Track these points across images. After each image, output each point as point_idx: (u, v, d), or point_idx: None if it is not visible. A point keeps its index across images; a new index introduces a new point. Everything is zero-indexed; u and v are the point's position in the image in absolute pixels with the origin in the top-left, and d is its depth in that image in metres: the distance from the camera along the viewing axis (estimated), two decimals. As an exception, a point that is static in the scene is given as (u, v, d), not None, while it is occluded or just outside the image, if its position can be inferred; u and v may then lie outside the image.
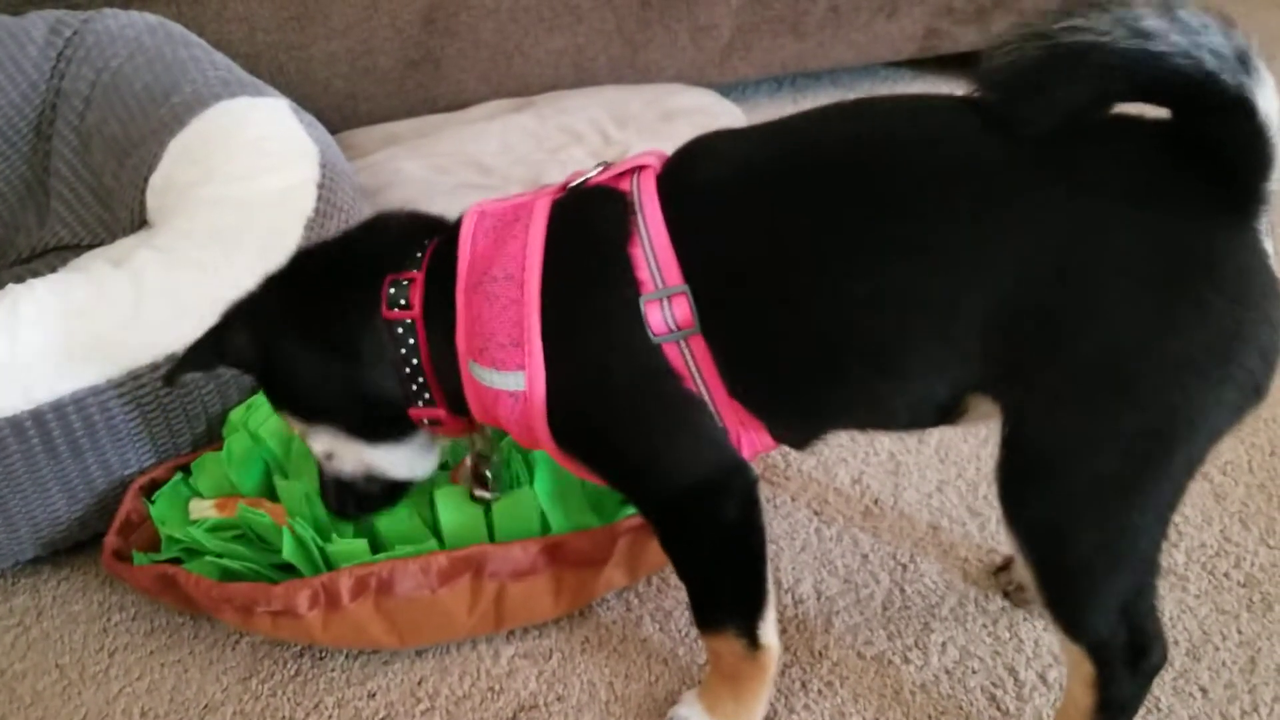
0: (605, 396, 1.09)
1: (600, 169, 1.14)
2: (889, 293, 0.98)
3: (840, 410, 1.11)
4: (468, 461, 1.37)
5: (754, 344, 1.05)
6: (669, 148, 2.31)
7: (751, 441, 1.13)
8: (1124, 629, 1.00)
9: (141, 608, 1.44)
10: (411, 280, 1.16)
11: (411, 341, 1.15)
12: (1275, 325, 0.91)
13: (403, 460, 1.27)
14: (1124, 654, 1.01)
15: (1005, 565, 1.38)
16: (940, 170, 0.96)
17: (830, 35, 2.62)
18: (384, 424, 1.22)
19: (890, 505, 1.51)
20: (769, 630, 1.14)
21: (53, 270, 1.78)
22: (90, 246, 1.97)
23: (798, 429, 1.15)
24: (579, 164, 2.23)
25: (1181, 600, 1.33)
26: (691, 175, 1.09)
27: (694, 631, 1.33)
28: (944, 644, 1.30)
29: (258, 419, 1.49)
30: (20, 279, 1.55)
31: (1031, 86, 0.91)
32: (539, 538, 1.29)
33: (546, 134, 2.37)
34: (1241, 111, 0.85)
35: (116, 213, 1.96)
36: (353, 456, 1.25)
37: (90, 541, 1.51)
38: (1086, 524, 0.97)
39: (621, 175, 1.11)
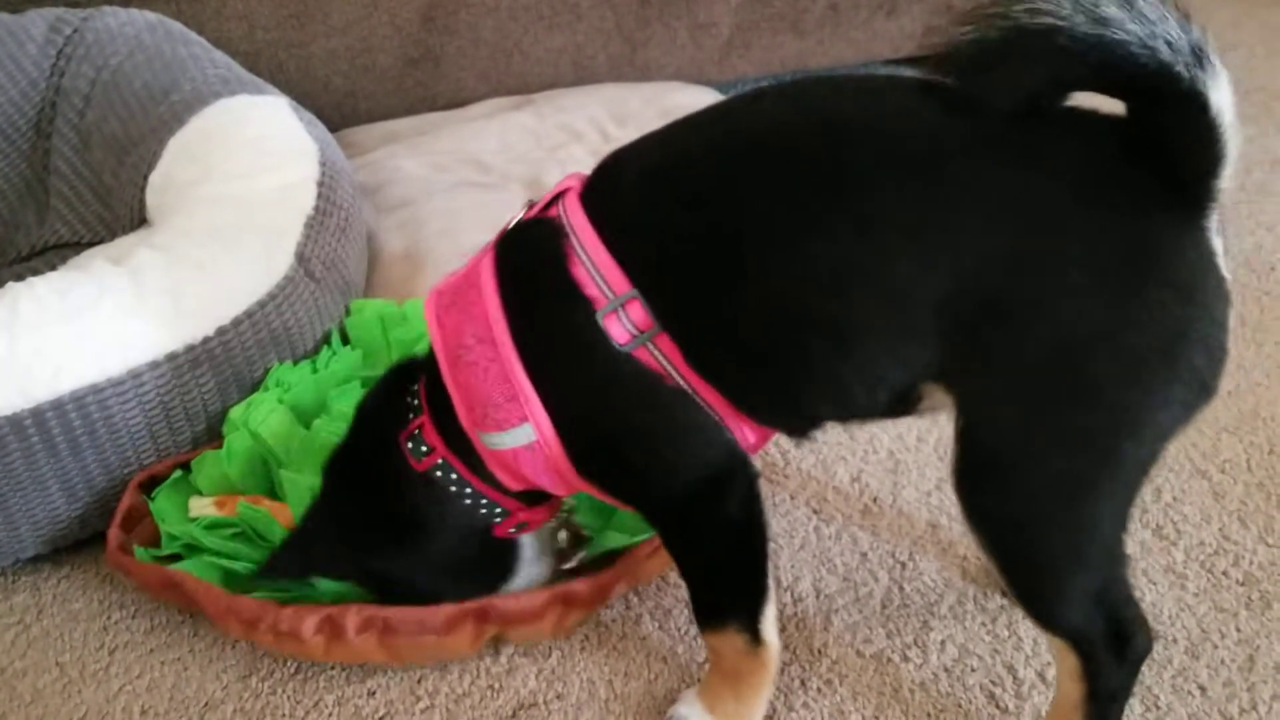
0: (602, 417, 1.10)
1: (526, 208, 1.15)
2: (838, 272, 0.97)
3: (800, 391, 1.09)
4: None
5: (712, 332, 1.05)
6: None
7: (744, 435, 1.13)
8: (1101, 618, 1.00)
9: (142, 606, 1.45)
10: (420, 425, 1.19)
11: (455, 475, 1.18)
12: (1221, 324, 0.92)
13: (525, 583, 1.31)
14: (1107, 643, 1.01)
15: None
16: (892, 149, 0.96)
17: (830, 33, 2.62)
18: (492, 564, 1.27)
19: (889, 503, 1.52)
20: (770, 627, 1.15)
21: (52, 268, 1.78)
22: (90, 244, 1.98)
23: (775, 415, 1.14)
24: (579, 162, 2.23)
25: (1180, 598, 1.33)
26: (613, 183, 1.09)
27: (693, 630, 1.33)
28: (943, 642, 1.30)
29: (258, 417, 1.49)
30: (20, 277, 1.55)
31: (990, 65, 0.91)
32: (548, 587, 1.28)
33: (546, 132, 2.37)
34: (1194, 105, 0.85)
35: (116, 211, 1.96)
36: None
37: (90, 540, 1.51)
38: (1042, 519, 0.98)
39: (549, 205, 1.11)
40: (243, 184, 1.73)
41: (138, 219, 1.92)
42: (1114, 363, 0.91)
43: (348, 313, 1.74)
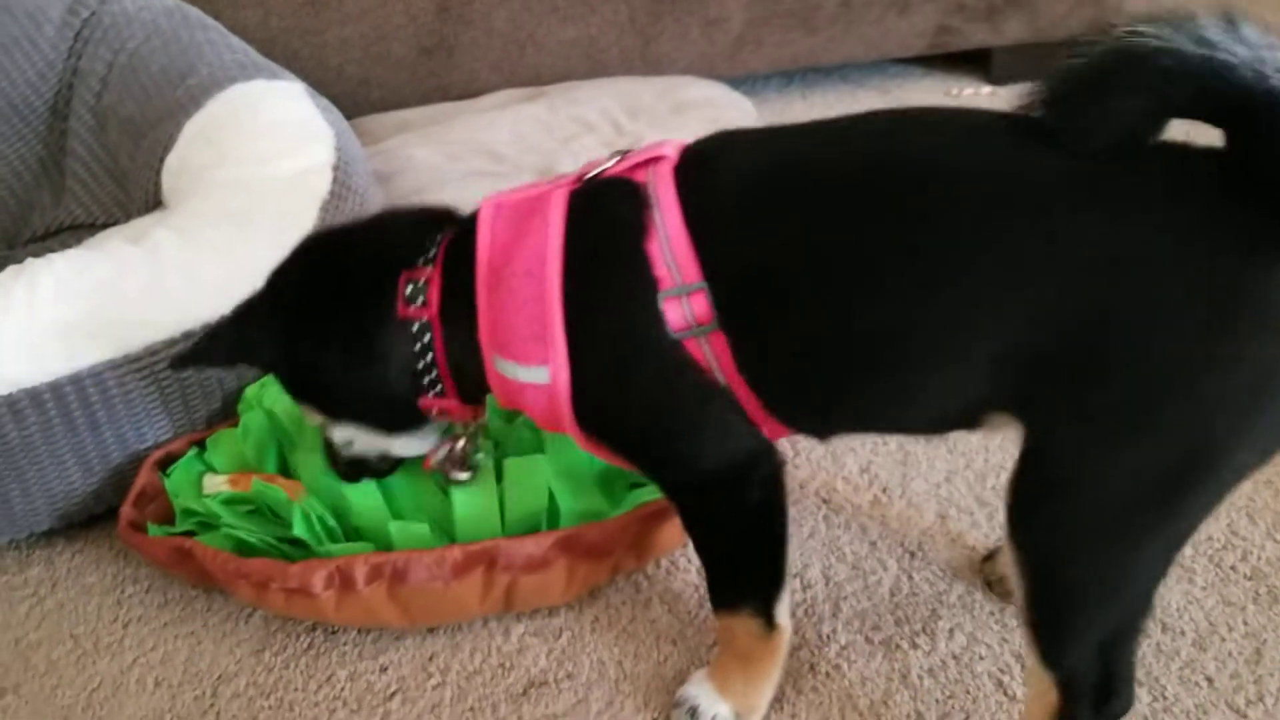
0: (628, 389, 1.10)
1: (616, 159, 1.13)
2: (915, 311, 0.96)
3: (855, 417, 1.11)
4: (443, 449, 1.36)
5: (772, 345, 1.05)
6: (680, 139, 2.32)
7: (771, 431, 1.13)
8: (1098, 667, 0.99)
9: (155, 580, 1.46)
10: (428, 278, 1.16)
11: (427, 338, 1.16)
12: None
13: (414, 443, 1.32)
14: (1092, 693, 1.00)
15: (990, 556, 1.39)
16: (982, 188, 0.94)
17: (841, 30, 2.63)
18: (399, 416, 1.25)
19: (898, 494, 1.53)
20: (784, 612, 1.16)
21: (67, 248, 1.79)
22: (105, 226, 1.99)
23: (813, 429, 1.16)
24: (591, 153, 2.24)
25: (1188, 592, 1.34)
26: (714, 172, 1.08)
27: (702, 613, 1.34)
28: (951, 630, 1.31)
29: (273, 396, 1.50)
30: (37, 256, 1.56)
31: (1093, 91, 0.89)
32: (552, 531, 1.30)
33: (558, 123, 2.38)
34: None
35: (131, 193, 1.97)
36: (370, 444, 1.30)
37: (105, 515, 1.52)
38: (1089, 551, 0.95)
39: (637, 166, 1.10)
40: (258, 168, 1.74)
41: (153, 201, 1.92)
42: (1199, 406, 0.88)
43: (362, 296, 1.74)
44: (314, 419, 1.31)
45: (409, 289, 1.16)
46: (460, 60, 2.57)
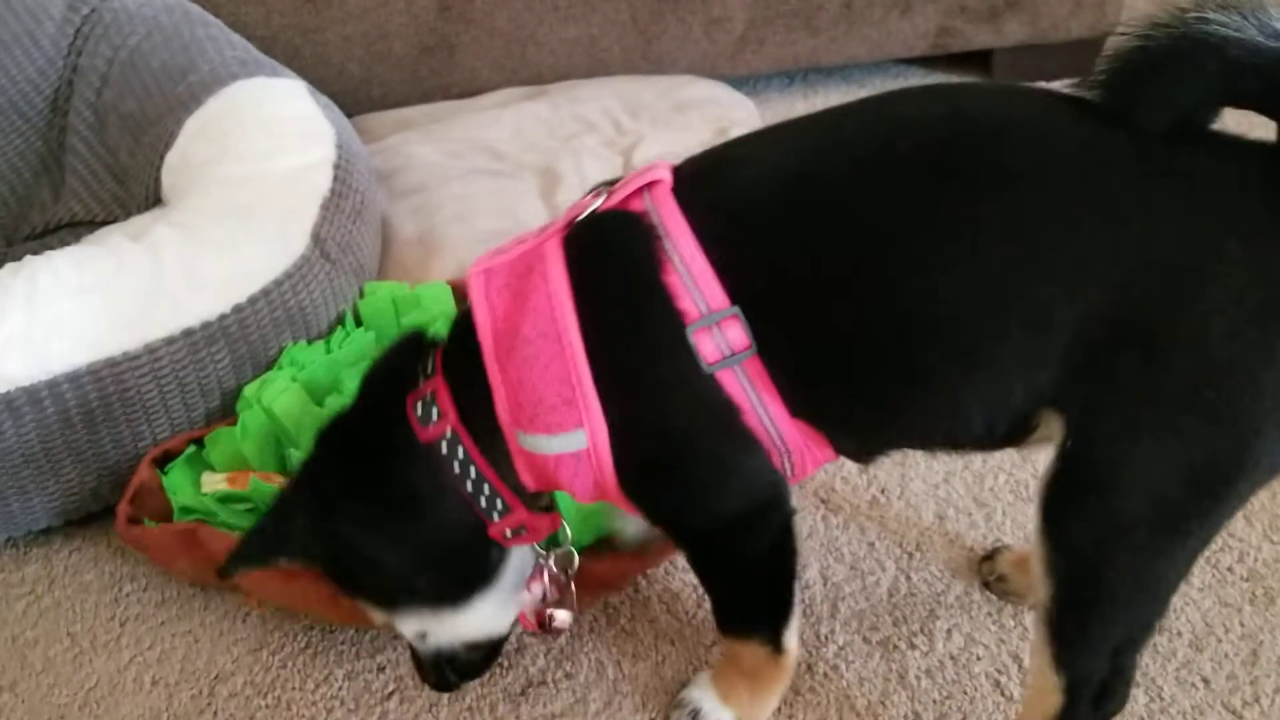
0: (665, 438, 1.04)
1: (603, 193, 1.05)
2: (980, 287, 0.93)
3: (915, 417, 1.04)
4: (534, 588, 1.23)
5: (823, 354, 0.99)
6: (682, 138, 2.31)
7: (815, 458, 1.07)
8: (1107, 671, 0.99)
9: (153, 579, 1.46)
10: (434, 389, 1.08)
11: (461, 451, 1.07)
12: None
13: (498, 609, 1.18)
14: (1094, 693, 1.00)
15: (989, 556, 1.38)
16: (1046, 159, 0.92)
17: (843, 31, 2.63)
18: (469, 568, 1.14)
19: (897, 495, 1.52)
20: (792, 636, 1.14)
21: (67, 245, 1.79)
22: (105, 223, 1.98)
23: (867, 440, 1.09)
24: (592, 152, 2.25)
25: (1185, 593, 1.34)
26: (719, 187, 1.03)
27: (701, 613, 1.34)
28: (949, 631, 1.31)
29: (271, 394, 1.50)
30: (36, 253, 1.56)
31: (1156, 75, 0.88)
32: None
33: (560, 122, 2.38)
34: None
35: (131, 190, 1.97)
36: (448, 628, 1.16)
37: (103, 513, 1.52)
38: (1126, 552, 0.94)
39: (631, 196, 1.02)
40: (259, 165, 1.74)
41: (153, 198, 1.92)
42: (1256, 398, 0.87)
43: (361, 295, 1.74)
44: (375, 617, 1.19)
45: (420, 410, 1.08)
46: (461, 59, 2.57)
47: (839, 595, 1.37)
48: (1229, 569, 1.37)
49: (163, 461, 1.47)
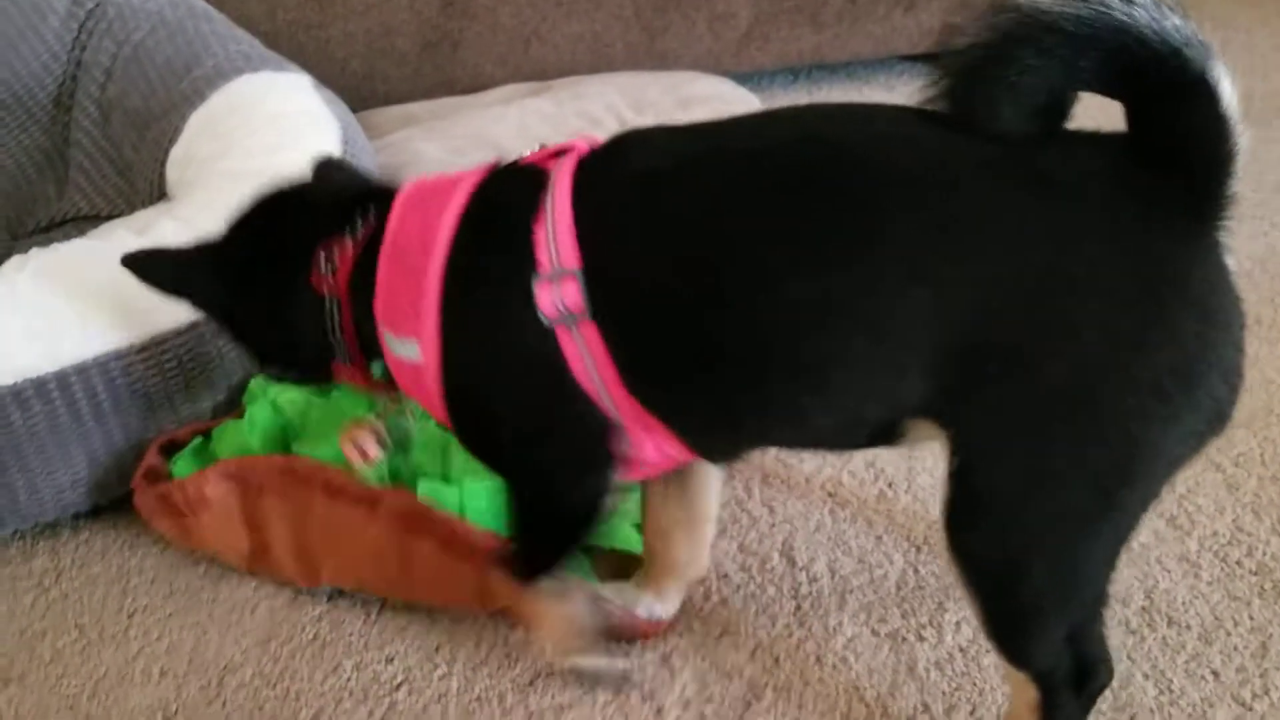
0: (492, 375, 1.07)
1: (537, 149, 1.10)
2: (825, 303, 0.92)
3: (756, 423, 1.04)
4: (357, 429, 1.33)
5: (660, 340, 1.00)
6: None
7: (660, 449, 1.07)
8: (1069, 657, 0.99)
9: (160, 571, 1.45)
10: (342, 251, 1.13)
11: (336, 313, 1.13)
12: (1239, 347, 0.87)
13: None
14: (1069, 679, 1.00)
15: None
16: (894, 177, 0.90)
17: (847, 27, 2.63)
18: (318, 376, 1.24)
19: (904, 488, 1.52)
20: (551, 584, 1.19)
21: (71, 240, 1.79)
22: (109, 218, 1.98)
23: (706, 438, 1.08)
24: (596, 148, 2.24)
25: (1194, 586, 1.34)
26: (614, 162, 1.03)
27: (708, 605, 1.34)
28: (958, 623, 1.31)
29: (277, 388, 1.50)
30: (41, 247, 1.56)
31: (999, 62, 0.85)
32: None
33: (564, 118, 2.38)
34: (1206, 96, 0.81)
35: (136, 185, 1.97)
36: None
37: (109, 506, 1.52)
38: (1039, 562, 0.93)
39: (551, 156, 1.06)
40: (264, 159, 1.73)
41: (157, 193, 1.92)
42: (1132, 395, 0.85)
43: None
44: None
45: (324, 258, 1.13)
46: (465, 55, 2.57)
47: (847, 588, 1.37)
48: (1238, 563, 1.37)
49: (170, 451, 1.47)
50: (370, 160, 1.88)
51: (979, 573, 0.96)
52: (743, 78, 2.63)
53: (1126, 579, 1.35)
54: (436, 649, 1.31)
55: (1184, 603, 1.32)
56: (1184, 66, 0.81)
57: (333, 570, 1.34)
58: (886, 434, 0.99)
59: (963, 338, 0.88)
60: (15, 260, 1.47)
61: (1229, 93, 0.81)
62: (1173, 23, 0.80)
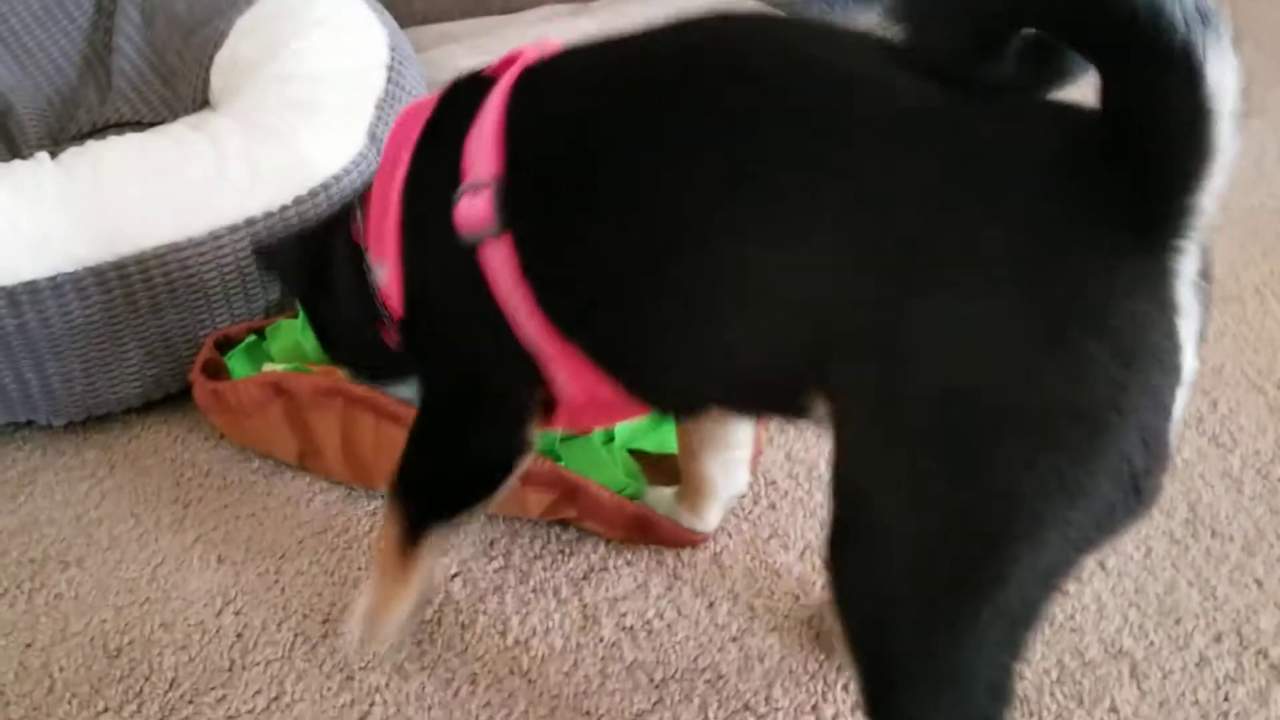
0: (428, 298, 1.02)
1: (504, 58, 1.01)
2: (692, 234, 0.81)
3: (655, 360, 0.92)
4: None
5: (564, 259, 0.91)
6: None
7: (584, 385, 0.98)
8: None
9: (214, 465, 1.47)
10: (365, 196, 1.08)
11: (366, 258, 1.08)
12: (1165, 410, 0.68)
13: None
14: None
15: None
16: (795, 111, 0.77)
17: (888, -46, 2.60)
18: (378, 360, 1.18)
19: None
20: (427, 550, 1.10)
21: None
22: (152, 124, 1.97)
23: (625, 375, 0.96)
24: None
25: (1237, 501, 1.36)
26: (551, 71, 0.95)
27: (757, 510, 1.36)
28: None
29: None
30: (87, 148, 1.56)
31: None
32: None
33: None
34: (1185, 74, 0.61)
35: (179, 91, 1.96)
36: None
37: (162, 401, 1.54)
38: (910, 613, 0.75)
39: (508, 64, 0.98)
40: (313, 63, 1.73)
41: (201, 100, 1.92)
42: (1015, 431, 0.67)
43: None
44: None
45: (358, 212, 1.10)
46: (502, -28, 2.55)
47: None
48: (1279, 479, 1.38)
49: (224, 348, 1.48)
50: (416, 71, 1.88)
51: (847, 608, 0.80)
52: (781, 4, 2.61)
53: (1170, 493, 1.36)
54: (491, 544, 1.33)
55: (1227, 516, 1.33)
56: (1166, 31, 0.60)
57: (385, 477, 1.35)
58: (793, 403, 0.83)
59: (837, 310, 0.74)
60: (72, 150, 1.47)
61: (1221, 80, 0.61)
62: None
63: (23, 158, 1.52)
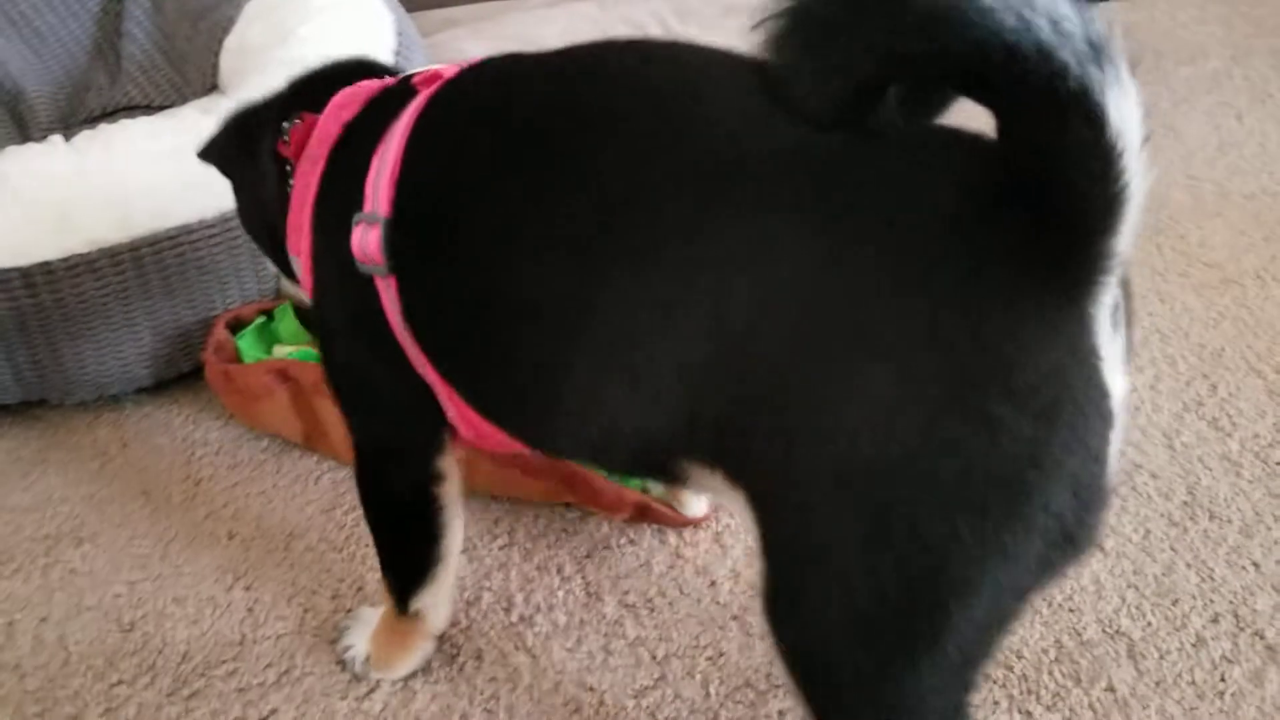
0: (333, 314, 0.99)
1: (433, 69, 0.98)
2: (548, 286, 0.77)
3: (515, 408, 0.89)
4: None
5: (435, 309, 0.88)
6: (726, 42, 2.29)
7: (469, 421, 0.96)
8: None
9: (224, 445, 1.49)
10: (304, 123, 1.02)
11: (286, 184, 1.04)
12: (1097, 456, 0.64)
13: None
14: None
15: None
16: (671, 167, 0.71)
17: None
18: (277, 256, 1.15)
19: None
20: (425, 604, 1.11)
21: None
22: (161, 108, 2.00)
23: (494, 416, 0.93)
24: (641, 55, 2.25)
25: (1235, 484, 1.37)
26: (450, 101, 0.89)
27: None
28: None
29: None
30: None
31: (821, 29, 0.64)
32: None
33: (609, 23, 2.38)
34: (1084, 117, 0.56)
35: (187, 75, 1.98)
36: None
37: (172, 381, 1.56)
38: (852, 665, 0.72)
39: (431, 79, 0.93)
40: (321, 48, 1.73)
41: (209, 84, 1.94)
42: (930, 499, 0.63)
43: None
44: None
45: (284, 125, 1.04)
46: (509, -42, 2.56)
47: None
48: (1278, 464, 1.40)
49: (235, 328, 1.50)
50: (421, 56, 1.89)
51: (793, 663, 0.76)
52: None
53: (1169, 475, 1.38)
54: (496, 522, 1.35)
55: (1225, 499, 1.35)
56: (1059, 74, 0.55)
57: None
58: (665, 468, 0.81)
59: (719, 379, 0.69)
60: (85, 133, 1.49)
61: (1124, 120, 0.57)
62: (1052, 14, 0.55)
63: (35, 141, 1.54)
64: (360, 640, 1.16)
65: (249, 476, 1.44)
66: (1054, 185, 0.59)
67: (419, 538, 1.07)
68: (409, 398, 0.96)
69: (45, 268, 1.38)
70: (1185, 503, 1.34)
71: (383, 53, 1.77)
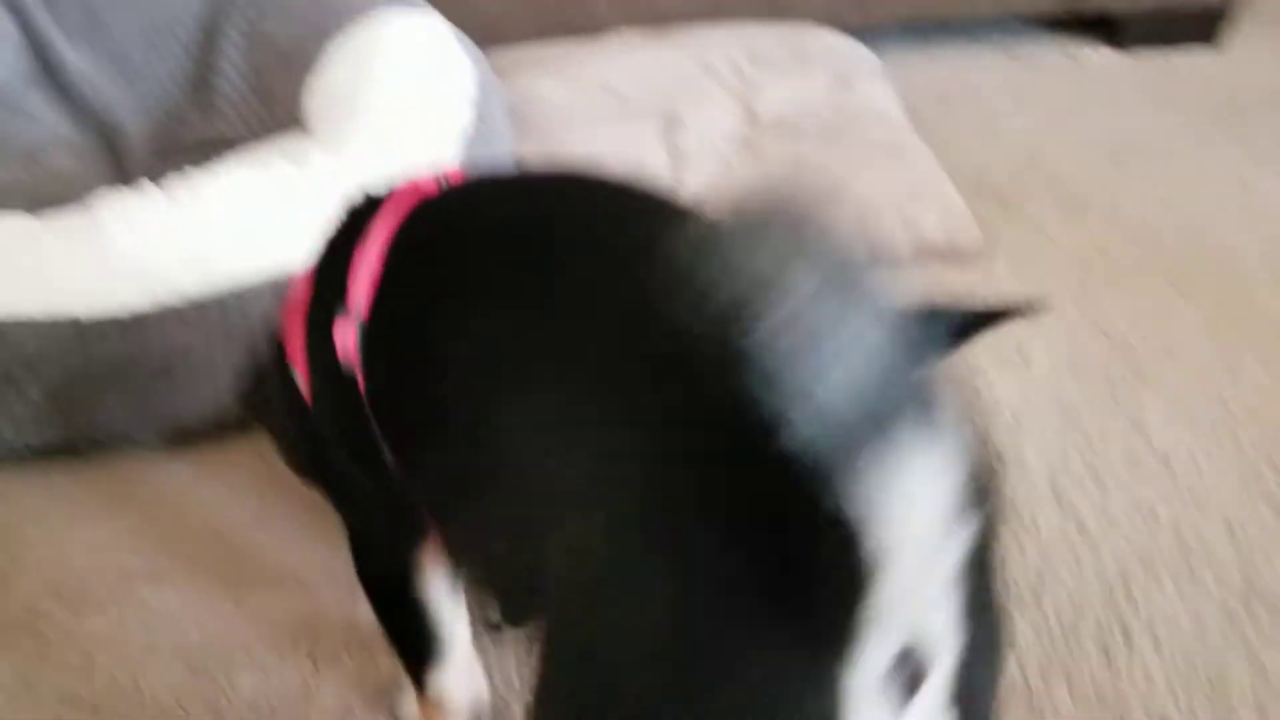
0: (318, 408, 1.00)
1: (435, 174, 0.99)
2: (460, 418, 0.79)
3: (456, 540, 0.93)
4: None
5: (384, 415, 0.90)
6: (802, 87, 2.28)
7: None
8: None
9: (298, 485, 1.54)
10: None
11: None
12: None
13: None
14: None
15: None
16: (561, 324, 0.72)
17: (970, -14, 2.60)
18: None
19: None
20: (443, 685, 1.13)
21: (211, 160, 1.87)
22: (249, 141, 2.06)
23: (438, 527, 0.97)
24: (713, 98, 2.28)
25: None
26: (432, 213, 0.92)
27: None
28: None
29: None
30: (179, 167, 1.65)
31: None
32: None
33: (681, 65, 2.40)
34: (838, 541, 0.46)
35: (275, 113, 2.05)
36: None
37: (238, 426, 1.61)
38: None
39: (423, 184, 0.96)
40: (403, 97, 1.79)
41: (295, 121, 2.00)
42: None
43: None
44: None
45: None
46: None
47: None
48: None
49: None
50: (501, 100, 1.93)
51: None
52: (860, 31, 2.61)
53: (1227, 562, 1.37)
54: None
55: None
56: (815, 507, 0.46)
57: None
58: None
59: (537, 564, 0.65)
60: (176, 180, 1.55)
61: (903, 515, 0.45)
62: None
63: (127, 174, 1.60)
64: (410, 703, 1.20)
65: (320, 518, 1.48)
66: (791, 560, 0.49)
67: (414, 623, 1.09)
68: (385, 496, 0.96)
69: (139, 317, 1.45)
70: (1242, 592, 1.33)
71: (464, 103, 1.81)
